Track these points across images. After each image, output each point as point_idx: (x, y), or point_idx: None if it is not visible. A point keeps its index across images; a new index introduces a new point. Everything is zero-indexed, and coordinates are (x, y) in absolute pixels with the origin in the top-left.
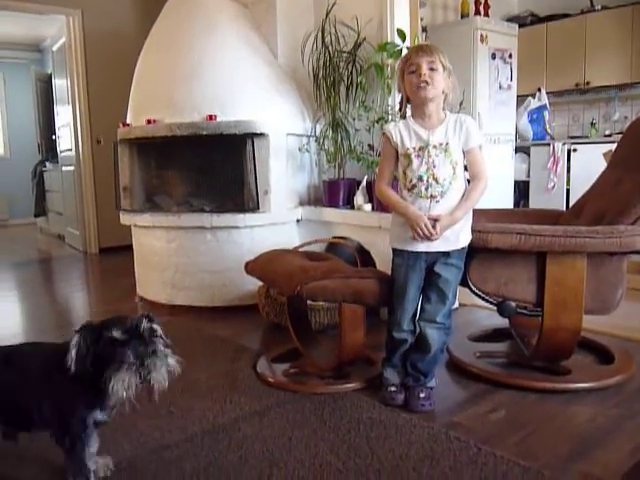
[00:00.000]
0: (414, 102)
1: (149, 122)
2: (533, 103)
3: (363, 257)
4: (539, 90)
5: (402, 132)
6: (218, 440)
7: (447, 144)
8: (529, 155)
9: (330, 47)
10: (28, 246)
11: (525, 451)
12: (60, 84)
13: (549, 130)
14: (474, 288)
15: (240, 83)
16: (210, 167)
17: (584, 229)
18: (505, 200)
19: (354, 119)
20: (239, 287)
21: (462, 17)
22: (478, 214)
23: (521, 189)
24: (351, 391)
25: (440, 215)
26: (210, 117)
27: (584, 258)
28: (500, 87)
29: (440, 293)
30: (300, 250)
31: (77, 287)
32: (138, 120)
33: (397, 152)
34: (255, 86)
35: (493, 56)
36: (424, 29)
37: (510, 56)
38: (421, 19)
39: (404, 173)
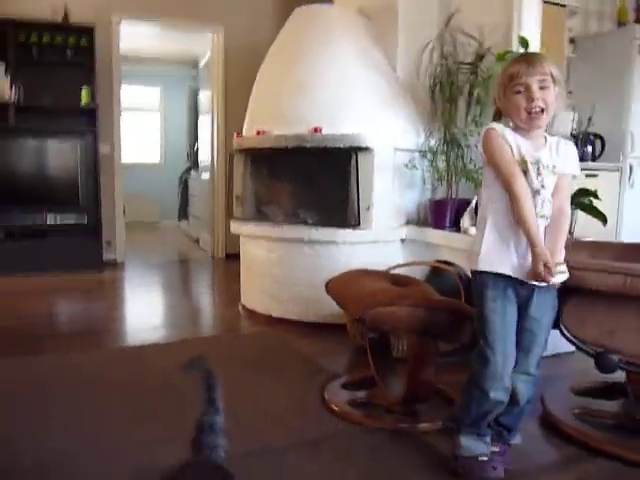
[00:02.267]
0: (518, 125)
1: (258, 133)
2: None
3: (467, 285)
4: None
5: (514, 137)
6: (257, 465)
7: (554, 166)
8: None
9: (449, 58)
10: (170, 247)
11: None
12: (204, 98)
13: None
14: (568, 334)
15: (349, 96)
16: (316, 180)
17: None
18: None
19: (465, 135)
20: (333, 304)
21: (619, 26)
22: (594, 247)
23: None
24: (417, 432)
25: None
26: (315, 130)
27: None
28: None
29: (534, 338)
30: (389, 272)
31: (196, 290)
32: (250, 131)
33: None
34: (364, 99)
35: None
36: (572, 40)
37: None
38: (569, 29)
39: None
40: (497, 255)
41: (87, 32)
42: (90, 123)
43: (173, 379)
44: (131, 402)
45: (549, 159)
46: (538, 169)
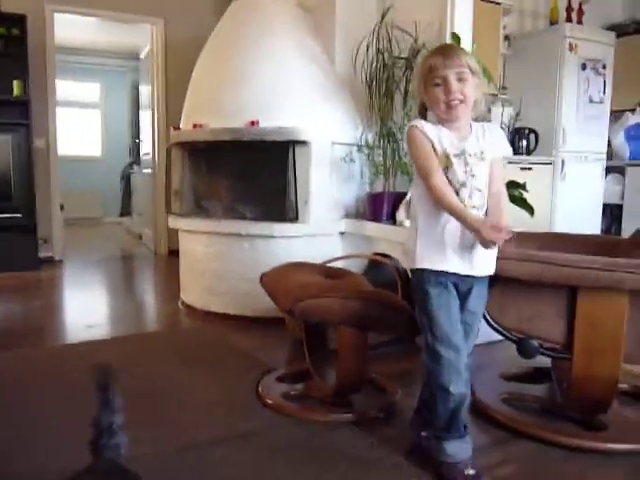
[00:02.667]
0: (440, 116)
1: (195, 126)
2: (632, 119)
3: (404, 277)
4: None
5: (437, 131)
6: (185, 460)
7: (482, 152)
8: (624, 176)
9: (385, 53)
10: (112, 244)
11: None
12: (144, 90)
13: None
14: (491, 321)
15: (287, 89)
16: (253, 174)
17: (624, 262)
18: (592, 225)
19: (401, 129)
20: None
21: (551, 24)
22: (521, 237)
23: (613, 213)
24: (348, 422)
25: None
26: (252, 123)
27: (625, 297)
28: (590, 100)
29: (469, 329)
30: (324, 265)
31: (136, 287)
32: (187, 124)
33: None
34: (302, 93)
35: (583, 66)
36: (506, 37)
37: (604, 67)
38: (504, 27)
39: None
40: (435, 252)
41: (19, 21)
42: (23, 116)
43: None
44: (52, 401)
45: (475, 146)
46: (465, 160)
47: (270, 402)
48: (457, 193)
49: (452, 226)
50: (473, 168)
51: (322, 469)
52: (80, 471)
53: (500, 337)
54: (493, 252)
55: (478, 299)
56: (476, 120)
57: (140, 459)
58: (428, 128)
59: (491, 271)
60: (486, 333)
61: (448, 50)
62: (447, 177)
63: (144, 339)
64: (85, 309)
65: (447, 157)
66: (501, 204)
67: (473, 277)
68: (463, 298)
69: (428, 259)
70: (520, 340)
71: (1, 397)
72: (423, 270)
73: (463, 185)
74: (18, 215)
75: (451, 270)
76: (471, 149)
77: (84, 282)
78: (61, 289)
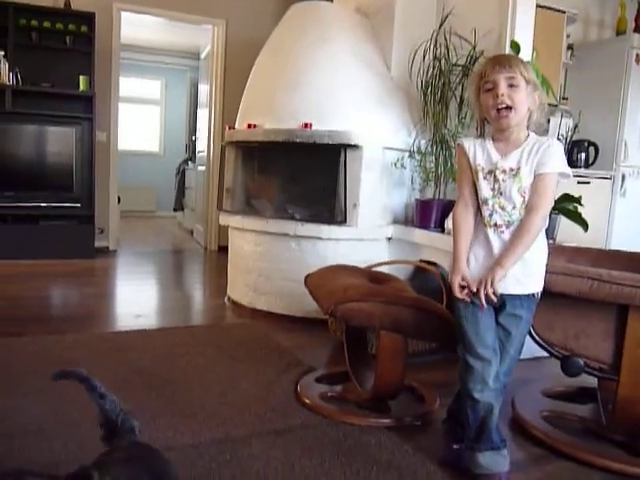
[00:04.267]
0: (493, 125)
1: (249, 127)
2: None
3: (449, 286)
4: None
5: (476, 148)
6: (222, 452)
7: (518, 169)
8: None
9: (442, 60)
10: (164, 238)
11: None
12: (203, 89)
13: None
14: (536, 336)
15: (341, 94)
16: (304, 175)
17: None
18: None
19: (454, 136)
20: None
21: (618, 34)
22: (574, 252)
23: None
24: (383, 427)
25: (483, 277)
26: (305, 125)
27: None
28: None
29: (501, 346)
30: (369, 269)
31: (185, 281)
32: (242, 124)
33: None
34: (357, 97)
35: None
36: (570, 46)
37: None
38: (567, 35)
39: (470, 193)
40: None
41: (87, 19)
42: (87, 110)
43: (142, 365)
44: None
45: (515, 162)
46: (495, 176)
47: (308, 402)
48: (480, 208)
49: (481, 240)
50: (502, 185)
51: (354, 472)
52: (104, 452)
53: (545, 353)
54: (528, 271)
55: (511, 318)
56: (535, 132)
57: (178, 449)
58: (468, 144)
59: (527, 290)
60: (531, 348)
61: (501, 56)
62: (476, 191)
63: (189, 332)
64: (135, 299)
65: (476, 173)
66: (521, 232)
67: (503, 294)
68: (497, 313)
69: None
70: (565, 357)
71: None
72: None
73: (485, 202)
74: (77, 205)
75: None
76: (506, 164)
77: (135, 273)
78: (114, 278)
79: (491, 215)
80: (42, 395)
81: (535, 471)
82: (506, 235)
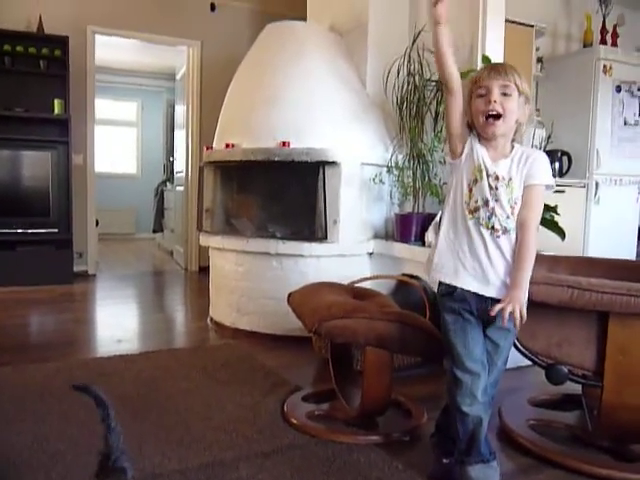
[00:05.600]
0: (480, 132)
1: (227, 146)
2: None
3: (432, 299)
4: None
5: (480, 147)
6: (210, 477)
7: (510, 180)
8: None
9: (416, 76)
10: (144, 260)
11: None
12: (179, 110)
13: None
14: (520, 346)
15: (318, 111)
16: (284, 193)
17: None
18: (626, 249)
19: (430, 150)
20: None
21: (585, 47)
22: (553, 261)
23: None
24: (372, 444)
25: (508, 304)
26: (283, 143)
27: None
28: (625, 123)
29: (489, 359)
30: (351, 285)
31: (166, 303)
32: (220, 144)
33: (463, 157)
34: (333, 114)
35: (618, 89)
36: (539, 59)
37: (639, 89)
38: (537, 49)
39: (469, 190)
40: (452, 270)
41: (61, 43)
42: (63, 134)
43: (126, 391)
44: (70, 413)
45: (506, 172)
46: (492, 180)
47: (295, 421)
48: (477, 210)
49: (475, 240)
50: (499, 190)
51: None
52: None
53: (529, 362)
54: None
55: (500, 331)
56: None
57: (166, 475)
58: (472, 142)
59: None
60: (516, 358)
61: (498, 64)
62: (472, 190)
63: (172, 355)
64: (116, 323)
65: (480, 171)
66: (523, 251)
67: (491, 299)
68: (485, 324)
69: (442, 272)
70: (549, 366)
71: (28, 407)
72: (440, 284)
73: (486, 204)
74: (55, 230)
75: (465, 287)
76: (499, 172)
77: (116, 296)
78: (93, 303)
79: (490, 218)
80: (25, 425)
81: None
82: (502, 241)
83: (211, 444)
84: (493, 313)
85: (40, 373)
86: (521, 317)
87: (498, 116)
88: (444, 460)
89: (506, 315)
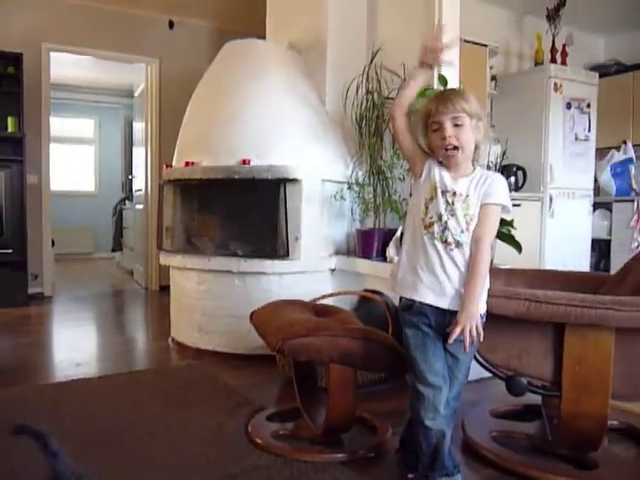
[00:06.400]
0: (441, 161)
1: (187, 164)
2: (617, 156)
3: (394, 314)
4: (624, 142)
5: (436, 167)
6: None
7: (467, 196)
8: (611, 211)
9: (375, 94)
10: (103, 280)
11: None
12: (138, 127)
13: (635, 185)
14: (480, 358)
15: (278, 128)
16: (245, 211)
17: (608, 299)
18: (581, 260)
19: (390, 167)
20: None
21: (536, 65)
22: (509, 274)
23: (602, 248)
24: (337, 462)
25: (462, 323)
26: (244, 161)
27: (611, 334)
28: (576, 138)
29: (450, 373)
30: (313, 303)
31: (126, 324)
32: (180, 162)
33: (421, 178)
34: (293, 131)
35: (568, 105)
36: (493, 77)
37: (588, 106)
38: (490, 67)
39: (425, 207)
40: (411, 284)
41: (15, 60)
42: (17, 152)
43: (86, 416)
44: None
45: (465, 189)
46: (448, 197)
47: (260, 442)
48: (432, 225)
49: (429, 253)
50: (456, 206)
51: None
52: None
53: (491, 374)
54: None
55: (459, 344)
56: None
57: None
58: (430, 163)
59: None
60: (477, 370)
61: (444, 96)
62: (427, 207)
63: (133, 377)
64: (74, 346)
65: (435, 189)
66: (475, 266)
67: (449, 311)
68: (445, 338)
69: (403, 286)
70: (509, 378)
71: None
72: (400, 299)
73: (439, 218)
74: (9, 251)
75: (423, 300)
76: (457, 189)
77: (74, 319)
78: (50, 326)
79: (444, 231)
80: None
81: None
82: (455, 254)
83: (174, 468)
84: (451, 341)
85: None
86: (478, 333)
87: (456, 148)
88: (409, 475)
89: (465, 336)
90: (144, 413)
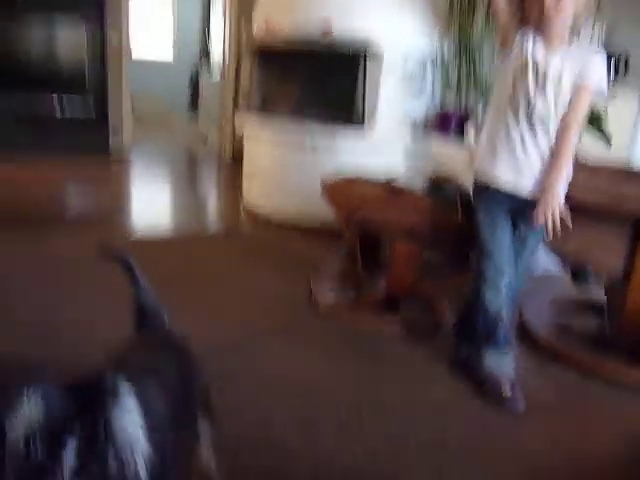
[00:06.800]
0: (535, 27)
1: (268, 30)
2: None
3: (466, 200)
4: None
5: (530, 39)
6: (242, 350)
7: (560, 76)
8: None
9: None
10: (178, 145)
11: (545, 435)
12: None
13: None
14: (550, 245)
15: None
16: (324, 81)
17: None
18: None
19: (480, 45)
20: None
21: None
22: (593, 170)
23: None
24: (394, 332)
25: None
26: (325, 32)
27: None
28: None
29: (517, 253)
30: (386, 179)
31: (199, 188)
32: (260, 29)
33: (512, 49)
34: (379, 3)
35: None
36: None
37: None
38: None
39: (513, 85)
40: (487, 162)
41: None
42: (98, 8)
43: (160, 272)
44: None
45: (557, 68)
46: (540, 74)
47: (322, 304)
48: (519, 106)
49: (512, 135)
50: (545, 86)
51: (365, 369)
52: (129, 342)
53: (557, 267)
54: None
55: (529, 227)
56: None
57: (197, 345)
58: (523, 34)
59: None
60: (543, 262)
61: None
62: (515, 86)
63: (205, 240)
64: (149, 206)
65: (526, 65)
66: (561, 150)
67: (525, 199)
68: (515, 219)
69: (481, 171)
70: (577, 268)
71: (67, 280)
72: (476, 183)
73: (527, 98)
74: (91, 107)
75: (499, 186)
76: (550, 67)
77: (149, 180)
78: (127, 184)
79: (530, 112)
80: (53, 297)
81: (538, 375)
82: (539, 136)
83: (244, 321)
84: (535, 224)
85: (77, 249)
86: (554, 221)
87: (553, 13)
88: (463, 349)
89: (540, 221)
90: (215, 273)
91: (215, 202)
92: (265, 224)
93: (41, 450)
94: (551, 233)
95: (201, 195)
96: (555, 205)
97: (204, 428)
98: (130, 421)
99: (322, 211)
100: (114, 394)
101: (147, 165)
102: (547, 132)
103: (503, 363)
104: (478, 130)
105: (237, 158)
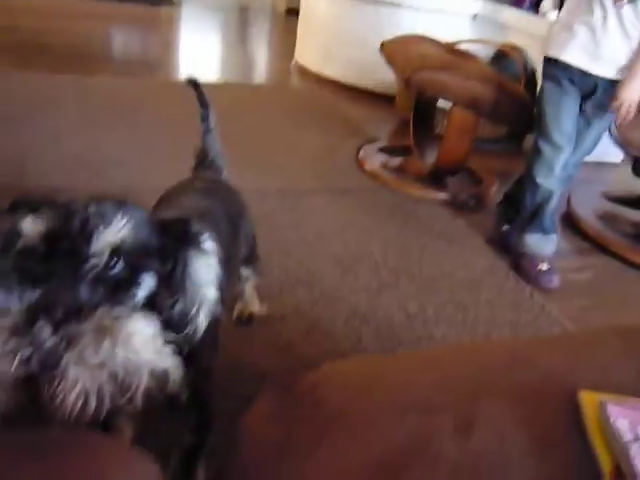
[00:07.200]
0: None
1: None
2: None
3: (530, 76)
4: None
5: None
6: (285, 200)
7: None
8: None
9: None
10: None
11: (574, 313)
12: None
13: None
14: (616, 132)
15: None
16: None
17: None
18: None
19: None
20: (387, 72)
21: None
22: None
23: None
24: (438, 200)
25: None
26: None
27: None
28: None
29: (578, 135)
30: (450, 44)
31: (251, 40)
32: None
33: None
34: None
35: None
36: None
37: None
38: None
39: None
40: (562, 38)
41: None
42: None
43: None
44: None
45: None
46: None
47: (368, 168)
48: None
49: (595, 11)
50: None
51: (406, 234)
52: (187, 179)
53: (613, 159)
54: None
55: (597, 107)
56: None
57: (244, 192)
58: None
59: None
60: (599, 151)
61: None
62: None
63: (254, 90)
64: (199, 52)
65: None
66: None
67: (597, 77)
68: (583, 101)
69: (553, 46)
70: (638, 158)
71: (122, 115)
72: (546, 58)
73: None
74: None
75: (569, 61)
76: None
77: (200, 27)
78: (178, 30)
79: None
80: (117, 131)
81: (577, 260)
82: (625, 12)
83: (288, 174)
84: (611, 108)
85: (129, 88)
86: (629, 109)
87: None
88: (504, 226)
89: (617, 106)
90: (262, 124)
91: (266, 55)
92: (316, 81)
93: (123, 267)
94: (622, 120)
95: (252, 47)
96: (634, 99)
97: (248, 272)
98: (207, 267)
99: (376, 73)
100: (197, 241)
101: (198, 13)
102: (636, 8)
103: (544, 244)
104: (556, 1)
105: (292, 9)
